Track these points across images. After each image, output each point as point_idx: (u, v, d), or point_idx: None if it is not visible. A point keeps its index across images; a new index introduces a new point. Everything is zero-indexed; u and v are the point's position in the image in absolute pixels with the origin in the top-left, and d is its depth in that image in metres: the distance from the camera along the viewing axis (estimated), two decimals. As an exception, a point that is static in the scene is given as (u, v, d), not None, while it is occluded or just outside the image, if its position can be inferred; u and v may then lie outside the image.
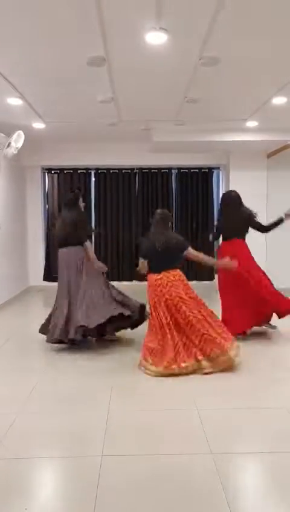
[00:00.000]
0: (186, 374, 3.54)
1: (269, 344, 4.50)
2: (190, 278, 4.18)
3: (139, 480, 2.15)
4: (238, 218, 4.70)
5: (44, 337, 4.39)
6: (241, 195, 4.69)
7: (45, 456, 2.43)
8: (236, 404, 3.02)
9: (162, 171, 8.09)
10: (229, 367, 3.62)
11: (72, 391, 3.29)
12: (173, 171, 8.15)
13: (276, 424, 2.73)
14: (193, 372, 3.57)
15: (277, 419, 2.80)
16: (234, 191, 4.90)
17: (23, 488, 2.11)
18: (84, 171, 8.07)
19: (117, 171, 8.06)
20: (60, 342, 4.29)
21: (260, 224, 4.73)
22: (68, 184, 8.05)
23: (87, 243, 4.36)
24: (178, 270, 3.81)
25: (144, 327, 4.13)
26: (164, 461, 2.32)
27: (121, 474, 2.21)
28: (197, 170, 8.12)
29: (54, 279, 8.13)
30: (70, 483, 2.18)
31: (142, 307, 4.36)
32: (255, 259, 4.69)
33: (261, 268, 4.71)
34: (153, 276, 3.83)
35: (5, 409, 2.98)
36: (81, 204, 4.57)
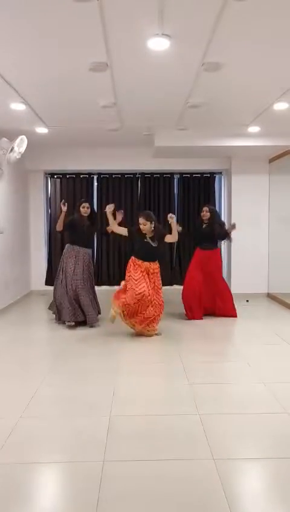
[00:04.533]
0: None
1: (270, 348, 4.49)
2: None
3: (140, 485, 2.14)
4: None
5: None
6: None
7: (46, 461, 2.43)
8: (238, 410, 3.02)
9: (165, 176, 8.10)
10: None
11: (74, 395, 3.29)
12: (175, 176, 8.16)
13: (278, 429, 2.72)
14: None
15: (279, 424, 2.79)
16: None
17: (25, 494, 2.10)
18: (87, 175, 8.10)
19: (119, 176, 8.08)
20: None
21: None
22: (71, 189, 8.08)
23: None
24: None
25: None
26: (165, 467, 2.31)
27: (123, 479, 2.19)
28: (199, 175, 8.13)
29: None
30: (71, 488, 2.17)
31: None
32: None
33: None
34: None
35: (7, 413, 2.98)
36: None
